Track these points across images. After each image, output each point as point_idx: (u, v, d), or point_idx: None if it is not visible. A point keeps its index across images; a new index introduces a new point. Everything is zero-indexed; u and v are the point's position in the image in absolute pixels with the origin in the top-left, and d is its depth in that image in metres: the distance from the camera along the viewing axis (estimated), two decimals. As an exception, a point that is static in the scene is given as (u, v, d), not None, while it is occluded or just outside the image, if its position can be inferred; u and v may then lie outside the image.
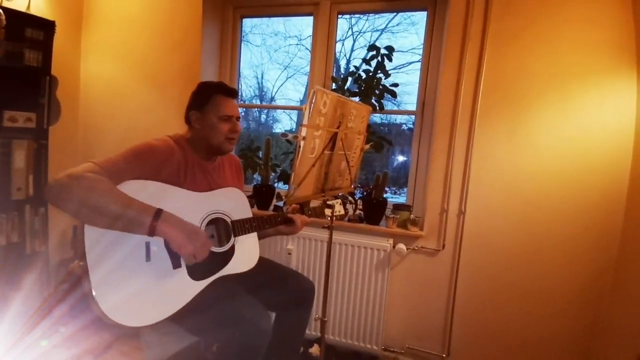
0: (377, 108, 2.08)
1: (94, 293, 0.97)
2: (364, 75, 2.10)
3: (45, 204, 2.06)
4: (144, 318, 1.05)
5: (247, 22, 2.52)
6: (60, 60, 2.19)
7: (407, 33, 2.32)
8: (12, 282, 1.90)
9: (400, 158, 2.45)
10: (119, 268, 1.03)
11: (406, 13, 2.28)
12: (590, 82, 1.69)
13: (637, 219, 1.61)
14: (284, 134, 2.27)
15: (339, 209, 1.54)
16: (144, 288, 1.07)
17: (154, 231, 1.01)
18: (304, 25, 2.48)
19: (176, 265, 1.14)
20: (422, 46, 2.12)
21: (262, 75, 2.68)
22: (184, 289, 1.15)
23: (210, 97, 1.28)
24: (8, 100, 1.90)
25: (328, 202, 1.46)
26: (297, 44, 2.55)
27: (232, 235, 1.29)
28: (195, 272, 1.17)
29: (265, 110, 2.87)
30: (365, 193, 2.10)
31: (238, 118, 1.33)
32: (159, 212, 1.02)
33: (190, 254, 1.06)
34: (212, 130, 1.27)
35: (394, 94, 2.08)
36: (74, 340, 1.87)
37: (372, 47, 2.06)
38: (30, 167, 1.99)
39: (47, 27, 1.99)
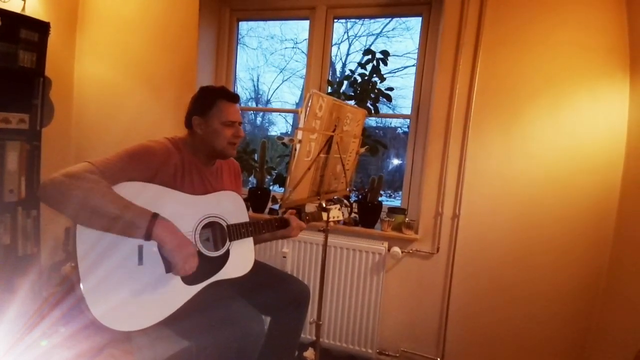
0: (373, 112, 2.09)
1: (85, 297, 0.96)
2: (359, 79, 2.12)
3: (37, 206, 2.04)
4: (135, 322, 1.04)
5: (244, 25, 2.53)
6: (54, 62, 2.18)
7: (402, 38, 2.35)
8: (4, 285, 1.88)
9: (395, 161, 2.46)
10: (111, 272, 1.02)
11: (401, 18, 2.30)
12: (583, 87, 1.71)
13: (629, 222, 1.63)
14: (280, 137, 2.28)
15: (337, 214, 1.54)
16: (136, 292, 1.06)
17: (150, 235, 1.01)
18: (299, 29, 2.49)
19: (169, 269, 1.13)
20: (417, 51, 2.14)
21: (258, 78, 2.69)
22: (177, 293, 1.14)
23: (214, 102, 1.28)
24: (1, 101, 1.88)
25: (325, 207, 1.46)
26: (293, 48, 2.56)
27: (228, 240, 1.28)
28: (189, 277, 1.16)
29: (261, 113, 2.88)
30: (360, 196, 2.10)
31: (240, 123, 1.33)
32: (155, 216, 1.02)
33: (180, 262, 1.04)
34: (215, 135, 1.27)
35: (389, 98, 2.09)
36: (66, 343, 1.85)
37: (367, 51, 2.08)
38: (23, 169, 1.98)
39: (41, 28, 1.98)
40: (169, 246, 1.03)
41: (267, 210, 2.21)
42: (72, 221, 1.00)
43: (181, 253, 1.04)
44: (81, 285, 0.97)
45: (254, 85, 2.72)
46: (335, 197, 1.66)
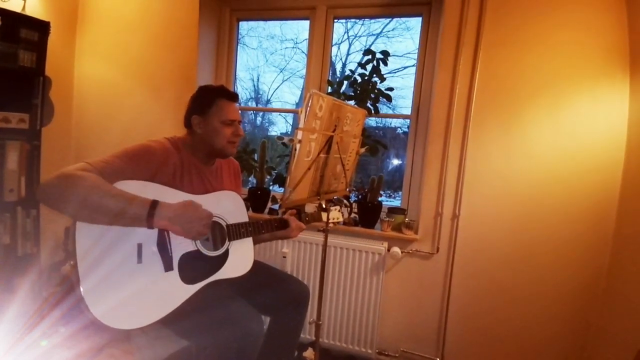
0: (373, 112, 2.09)
1: (84, 296, 0.96)
2: (359, 79, 2.12)
3: (37, 205, 2.04)
4: (135, 321, 1.04)
5: (244, 25, 2.53)
6: (54, 61, 2.18)
7: (402, 38, 2.35)
8: (4, 285, 1.88)
9: (395, 162, 2.46)
10: (110, 271, 1.02)
11: (401, 18, 2.30)
12: (583, 87, 1.71)
13: (629, 222, 1.63)
14: (280, 137, 2.28)
15: (337, 216, 1.54)
16: (136, 291, 1.06)
17: (152, 223, 1.02)
18: (300, 28, 2.49)
19: (168, 268, 1.13)
20: (417, 51, 2.14)
21: (258, 77, 2.69)
22: (176, 292, 1.14)
23: (213, 101, 1.28)
24: (1, 101, 1.89)
25: (325, 207, 1.45)
26: (293, 48, 2.56)
27: (227, 239, 1.28)
28: (188, 276, 1.16)
29: (261, 113, 2.88)
30: (360, 196, 2.10)
31: (240, 122, 1.33)
32: (154, 204, 1.03)
33: (196, 234, 1.09)
34: (214, 134, 1.27)
35: (389, 98, 2.09)
36: (66, 343, 1.85)
37: (367, 51, 2.08)
38: (23, 168, 1.98)
39: (41, 27, 1.98)
40: (175, 229, 1.06)
41: (267, 210, 2.21)
42: (73, 219, 1.00)
43: (191, 229, 1.08)
44: (81, 285, 0.97)
45: (254, 85, 2.72)
46: (335, 197, 1.66)
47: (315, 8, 2.24)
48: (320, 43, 2.26)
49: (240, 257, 1.31)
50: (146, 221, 1.01)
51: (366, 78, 2.10)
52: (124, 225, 1.03)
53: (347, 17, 2.34)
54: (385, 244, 1.95)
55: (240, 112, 1.36)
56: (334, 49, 2.35)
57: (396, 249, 1.94)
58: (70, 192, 0.95)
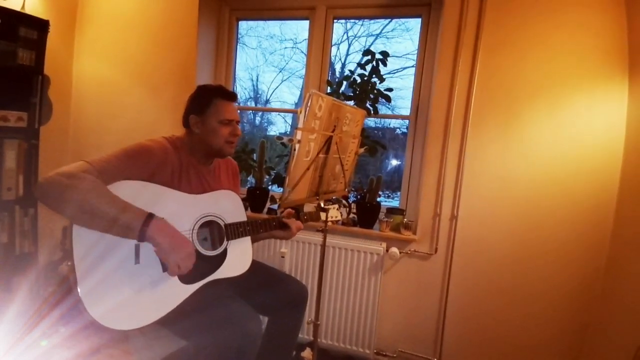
0: (372, 112, 2.09)
1: (82, 297, 0.96)
2: (358, 80, 2.12)
3: (35, 204, 2.04)
4: (132, 321, 1.04)
5: (243, 25, 2.53)
6: (53, 60, 2.18)
7: (402, 39, 2.35)
8: (2, 284, 1.87)
9: (394, 162, 2.47)
10: (107, 271, 1.02)
11: (401, 19, 2.30)
12: (582, 89, 1.72)
13: (627, 224, 1.63)
14: (279, 137, 2.28)
15: (335, 214, 1.54)
16: (133, 291, 1.06)
17: (143, 237, 1.00)
18: (299, 29, 2.49)
19: (166, 268, 1.13)
20: (416, 52, 2.14)
21: (257, 77, 2.69)
22: (174, 292, 1.14)
23: (210, 101, 1.27)
24: (0, 99, 1.88)
25: (323, 207, 1.45)
26: (292, 47, 2.56)
27: (225, 239, 1.28)
28: (186, 276, 1.16)
29: (260, 113, 2.88)
30: (359, 197, 2.11)
31: (238, 122, 1.33)
32: (149, 218, 1.01)
33: (172, 263, 1.04)
34: (212, 134, 1.27)
35: (388, 99, 2.09)
36: (66, 343, 1.85)
37: (367, 51, 2.08)
38: (21, 167, 1.97)
39: (41, 26, 1.98)
40: (162, 248, 1.02)
41: (265, 210, 2.21)
42: (69, 221, 0.99)
43: (175, 255, 1.03)
44: (78, 286, 0.96)
45: (253, 85, 2.72)
46: (333, 198, 1.66)
47: (314, 8, 2.25)
48: (319, 43, 2.26)
49: (239, 257, 1.31)
50: (139, 232, 0.99)
51: (365, 78, 2.10)
52: (115, 233, 1.00)
53: (346, 18, 2.34)
54: (384, 245, 1.95)
55: (239, 111, 1.36)
56: (334, 49, 2.36)
57: (394, 250, 1.94)
58: (68, 192, 0.94)
